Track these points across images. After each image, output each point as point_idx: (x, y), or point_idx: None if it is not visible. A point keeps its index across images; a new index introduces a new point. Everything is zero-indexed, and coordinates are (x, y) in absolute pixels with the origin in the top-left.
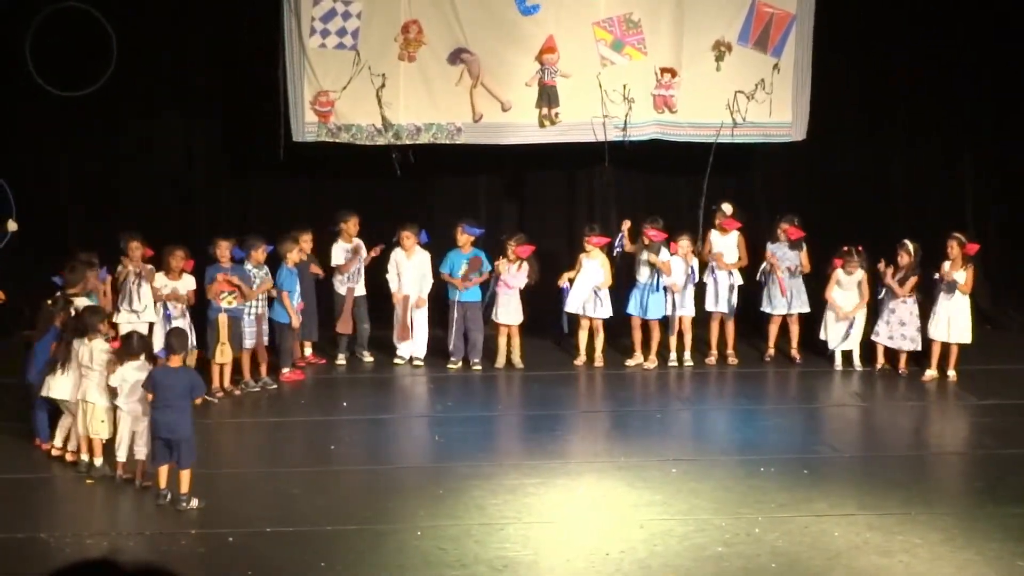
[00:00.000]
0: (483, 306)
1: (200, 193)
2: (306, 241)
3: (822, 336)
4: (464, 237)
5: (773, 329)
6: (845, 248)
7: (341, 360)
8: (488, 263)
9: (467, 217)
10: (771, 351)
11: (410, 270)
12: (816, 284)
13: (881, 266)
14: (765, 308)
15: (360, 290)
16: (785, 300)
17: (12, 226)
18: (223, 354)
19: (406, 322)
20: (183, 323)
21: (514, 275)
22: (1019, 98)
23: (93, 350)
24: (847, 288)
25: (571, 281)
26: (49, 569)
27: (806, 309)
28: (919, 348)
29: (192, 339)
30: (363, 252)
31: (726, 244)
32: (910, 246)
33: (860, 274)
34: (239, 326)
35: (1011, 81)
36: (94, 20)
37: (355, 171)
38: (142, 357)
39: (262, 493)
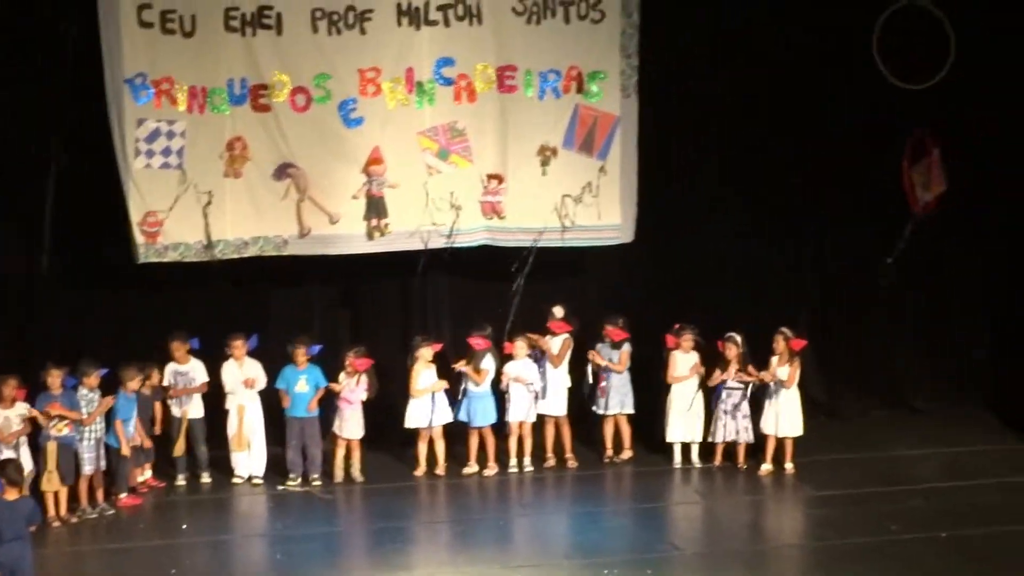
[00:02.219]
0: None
1: (35, 319)
2: (155, 376)
3: (668, 437)
4: (301, 355)
5: (608, 430)
6: (677, 325)
7: (181, 481)
8: (324, 379)
9: (301, 333)
10: (609, 452)
11: (240, 381)
12: (648, 384)
13: (717, 374)
14: (596, 408)
15: (196, 412)
16: (606, 400)
17: None
18: (50, 482)
19: (242, 432)
20: (16, 453)
21: (353, 389)
22: (853, 188)
23: None
24: (685, 371)
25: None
26: None
27: (630, 410)
28: (752, 440)
29: (29, 467)
30: (197, 377)
31: (554, 346)
32: (737, 338)
33: (695, 356)
34: (70, 453)
35: (843, 171)
36: None
37: (189, 287)
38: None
39: None
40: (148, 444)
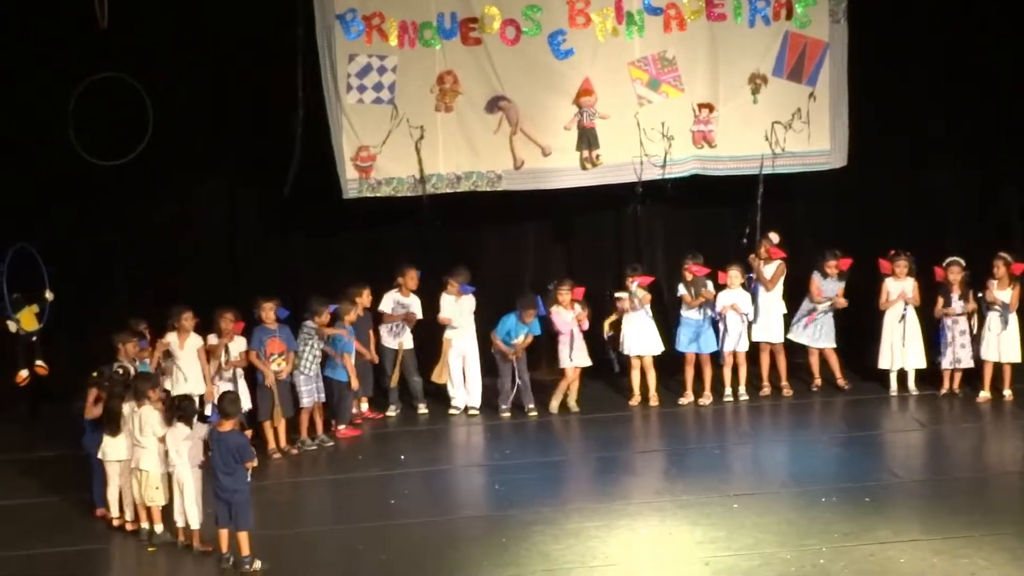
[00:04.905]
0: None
1: (244, 254)
2: (365, 296)
3: (882, 364)
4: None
5: (814, 360)
6: (892, 251)
7: (391, 412)
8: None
9: (526, 297)
10: (818, 381)
11: (458, 315)
12: (862, 314)
13: (939, 306)
14: (800, 339)
15: (408, 343)
16: (813, 333)
17: (49, 296)
18: (278, 417)
19: (448, 364)
20: (234, 386)
21: (579, 320)
22: None
23: (144, 417)
24: (898, 297)
25: (613, 326)
26: None
27: (832, 344)
28: (972, 366)
29: (247, 401)
30: (414, 311)
31: (768, 273)
32: (960, 262)
33: (910, 282)
34: (287, 387)
35: None
36: (132, 89)
37: (401, 224)
38: (194, 421)
39: (325, 551)
40: (372, 357)
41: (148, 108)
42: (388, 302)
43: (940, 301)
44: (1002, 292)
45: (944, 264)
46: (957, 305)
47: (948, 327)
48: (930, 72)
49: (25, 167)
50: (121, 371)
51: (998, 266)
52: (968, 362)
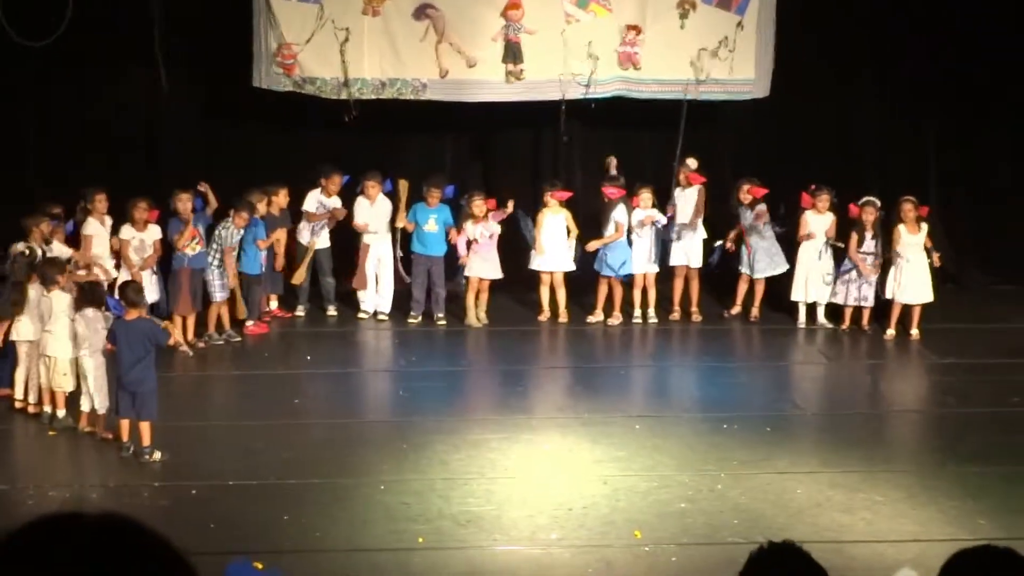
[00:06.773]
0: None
1: (164, 143)
2: (282, 196)
3: (793, 296)
4: (434, 194)
5: (742, 287)
6: (813, 186)
7: (300, 312)
8: (452, 219)
9: (435, 176)
10: (737, 308)
11: (374, 218)
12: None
13: (853, 244)
14: (744, 269)
15: (323, 243)
16: (764, 263)
17: None
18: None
19: (365, 270)
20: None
21: (484, 231)
22: (985, 55)
23: (53, 302)
24: (816, 231)
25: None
26: (12, 522)
27: (784, 268)
28: (871, 304)
29: (157, 294)
30: (333, 213)
31: (687, 198)
32: (876, 202)
33: (829, 217)
34: (199, 279)
35: (977, 38)
36: None
37: (322, 126)
38: (101, 308)
39: (226, 446)
40: (280, 262)
41: None
42: (312, 202)
43: (854, 238)
44: (911, 236)
45: (860, 203)
46: (869, 244)
47: (855, 265)
48: (862, 6)
49: None
50: (27, 252)
51: (907, 210)
52: (870, 302)
